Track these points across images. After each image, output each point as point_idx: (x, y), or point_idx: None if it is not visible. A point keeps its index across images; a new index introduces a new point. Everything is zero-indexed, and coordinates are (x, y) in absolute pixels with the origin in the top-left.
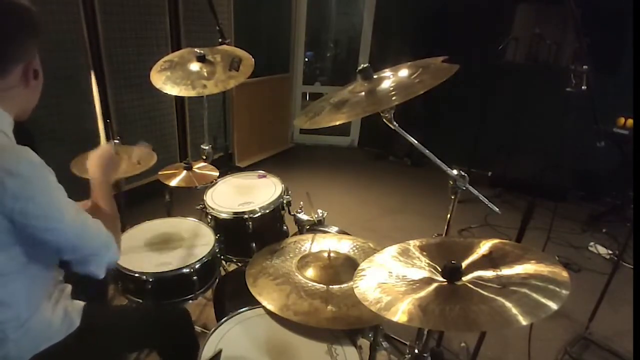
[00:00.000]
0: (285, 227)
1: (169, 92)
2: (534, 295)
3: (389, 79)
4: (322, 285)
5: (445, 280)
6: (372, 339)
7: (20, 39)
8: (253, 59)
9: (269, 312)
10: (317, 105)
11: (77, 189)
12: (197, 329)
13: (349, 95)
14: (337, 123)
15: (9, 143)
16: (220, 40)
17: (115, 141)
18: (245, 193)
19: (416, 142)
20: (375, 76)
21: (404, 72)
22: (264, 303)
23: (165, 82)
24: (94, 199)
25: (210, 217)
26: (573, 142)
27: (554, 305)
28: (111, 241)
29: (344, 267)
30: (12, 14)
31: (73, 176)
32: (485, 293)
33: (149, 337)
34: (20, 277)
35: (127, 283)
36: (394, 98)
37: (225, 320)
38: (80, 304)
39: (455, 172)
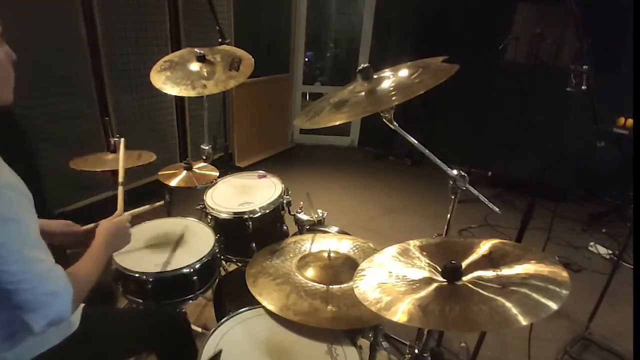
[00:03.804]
0: (285, 227)
1: (169, 92)
2: (534, 295)
3: (389, 79)
4: (322, 285)
5: (445, 280)
6: (372, 339)
7: None
8: (253, 59)
9: (269, 312)
10: (317, 105)
11: (77, 186)
12: (197, 329)
13: (349, 95)
14: (337, 123)
15: None
16: (220, 40)
17: (115, 139)
18: (245, 193)
19: (416, 142)
20: (375, 76)
21: (404, 72)
22: (264, 303)
23: (165, 82)
24: (88, 251)
25: (210, 217)
26: (573, 142)
27: (554, 305)
28: (65, 293)
29: (344, 267)
30: None
31: (72, 174)
32: (485, 293)
33: (146, 340)
34: None
35: (127, 283)
36: (394, 98)
37: (225, 321)
38: (80, 306)
39: (455, 172)
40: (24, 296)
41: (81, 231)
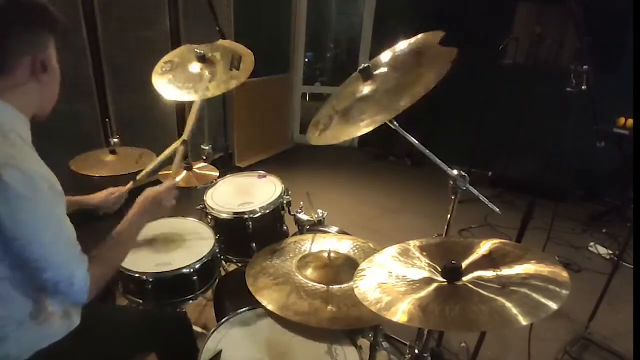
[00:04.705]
0: (285, 227)
1: (172, 98)
2: (534, 295)
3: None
4: (322, 285)
5: (445, 280)
6: (372, 339)
7: (20, 30)
8: (252, 54)
9: (269, 312)
10: (323, 115)
11: (76, 187)
12: (197, 329)
13: (350, 98)
14: (350, 137)
15: (18, 144)
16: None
17: (115, 140)
18: (245, 193)
19: (416, 142)
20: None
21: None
22: (264, 303)
23: (168, 86)
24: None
25: (210, 217)
26: (573, 142)
27: (554, 305)
28: (80, 281)
29: (344, 267)
30: (10, 4)
31: (72, 174)
32: (485, 293)
33: (147, 340)
34: (12, 276)
35: (127, 283)
36: (402, 103)
37: (225, 321)
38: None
39: (455, 172)
40: (43, 279)
41: (123, 193)
